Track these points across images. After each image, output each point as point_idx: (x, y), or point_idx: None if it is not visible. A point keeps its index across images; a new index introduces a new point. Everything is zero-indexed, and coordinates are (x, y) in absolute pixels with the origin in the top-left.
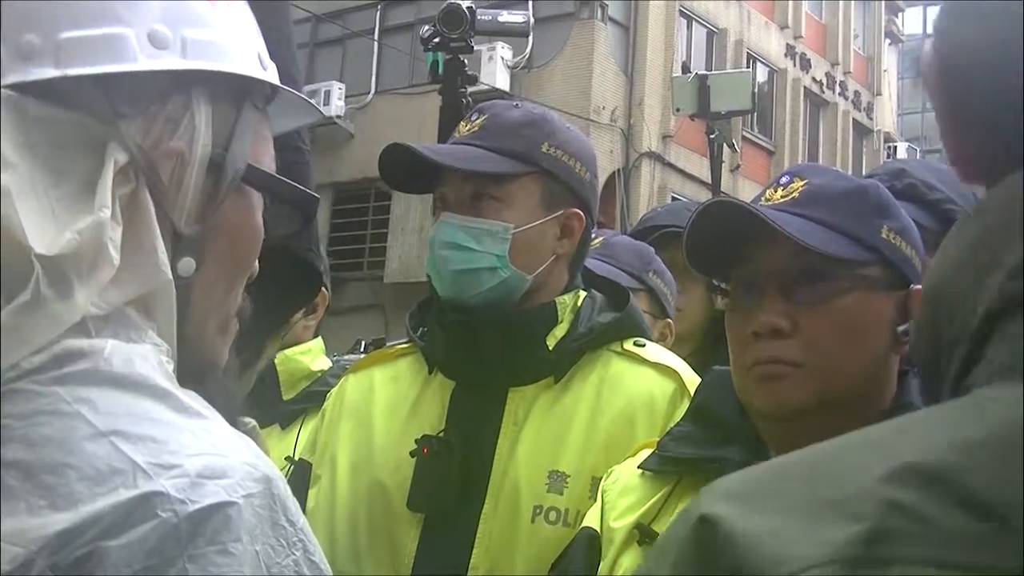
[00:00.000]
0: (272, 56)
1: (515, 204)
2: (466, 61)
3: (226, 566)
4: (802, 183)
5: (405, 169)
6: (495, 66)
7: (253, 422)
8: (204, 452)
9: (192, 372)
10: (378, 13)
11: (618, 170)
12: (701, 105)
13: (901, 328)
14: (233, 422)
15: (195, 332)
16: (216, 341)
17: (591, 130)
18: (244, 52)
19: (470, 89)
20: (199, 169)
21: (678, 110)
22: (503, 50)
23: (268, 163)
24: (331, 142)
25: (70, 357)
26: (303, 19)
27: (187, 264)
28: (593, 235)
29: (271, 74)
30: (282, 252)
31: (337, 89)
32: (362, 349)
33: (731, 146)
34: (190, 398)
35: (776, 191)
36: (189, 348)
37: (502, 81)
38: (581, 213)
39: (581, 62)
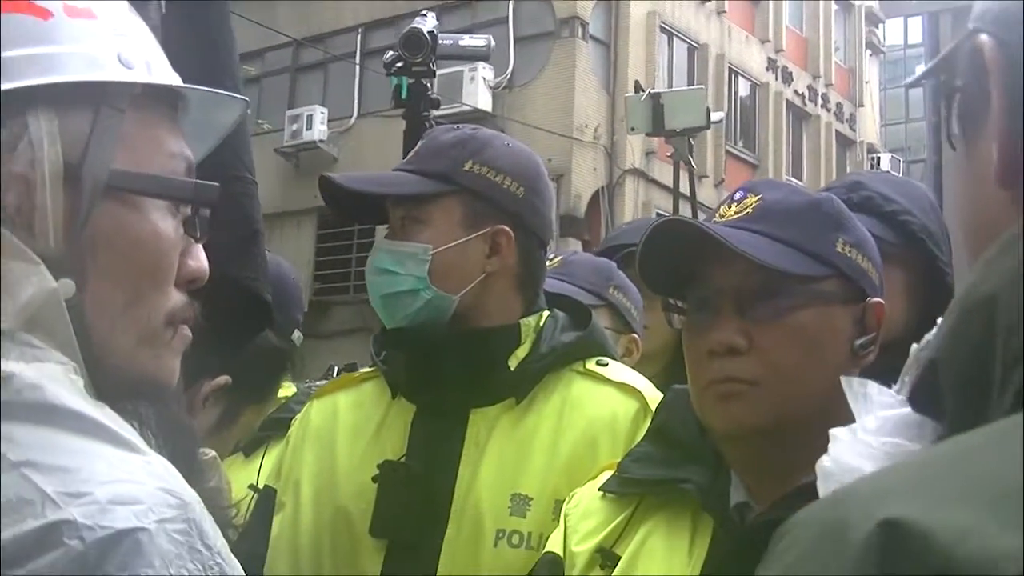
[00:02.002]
0: (184, 56)
1: (435, 224)
2: (429, 84)
3: None
4: (755, 199)
5: (354, 201)
6: (477, 86)
7: (213, 452)
8: (117, 479)
9: (121, 389)
10: (359, 37)
11: (602, 187)
12: (655, 123)
13: (859, 342)
14: (187, 448)
15: (103, 352)
16: (142, 355)
17: (574, 148)
18: (93, 57)
19: (455, 110)
20: (52, 186)
21: (632, 128)
22: (484, 70)
23: (162, 163)
24: (315, 166)
25: None
26: (284, 44)
27: (65, 286)
28: (553, 254)
29: (138, 73)
30: (226, 283)
31: (320, 113)
32: (335, 375)
33: (687, 162)
34: (106, 418)
35: (730, 207)
36: (105, 367)
37: (484, 101)
38: (508, 230)
39: (563, 80)
